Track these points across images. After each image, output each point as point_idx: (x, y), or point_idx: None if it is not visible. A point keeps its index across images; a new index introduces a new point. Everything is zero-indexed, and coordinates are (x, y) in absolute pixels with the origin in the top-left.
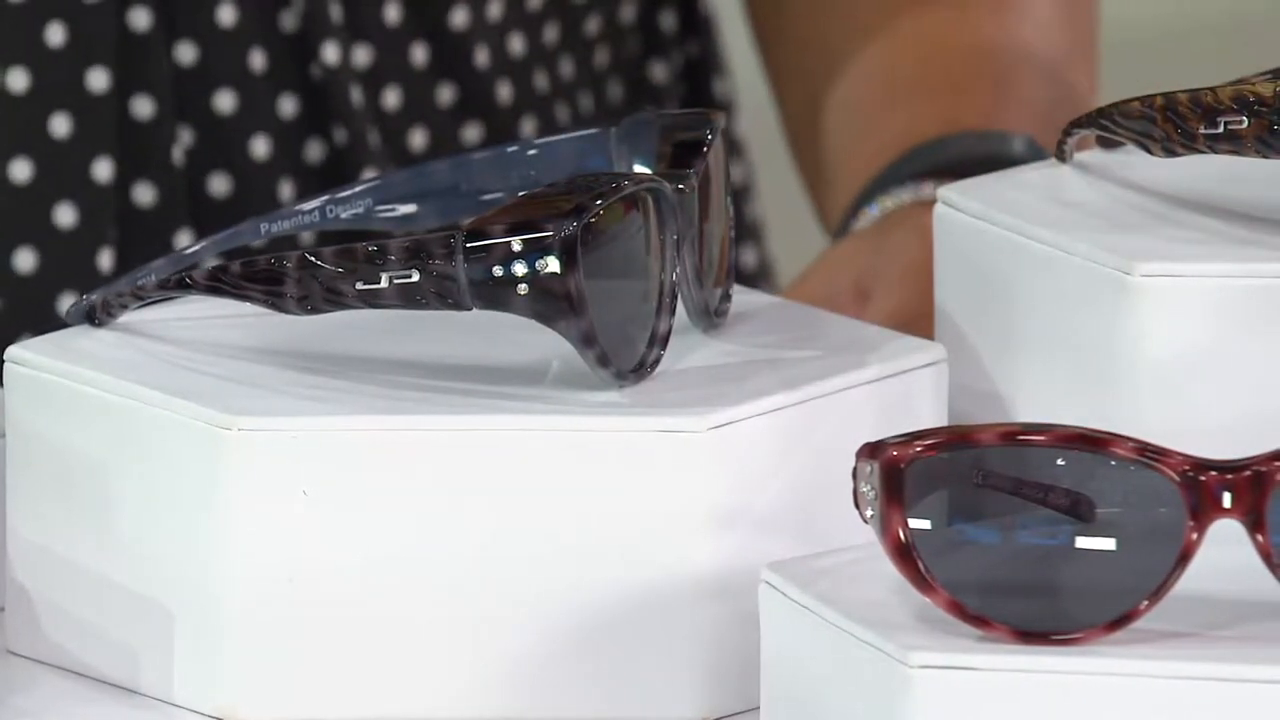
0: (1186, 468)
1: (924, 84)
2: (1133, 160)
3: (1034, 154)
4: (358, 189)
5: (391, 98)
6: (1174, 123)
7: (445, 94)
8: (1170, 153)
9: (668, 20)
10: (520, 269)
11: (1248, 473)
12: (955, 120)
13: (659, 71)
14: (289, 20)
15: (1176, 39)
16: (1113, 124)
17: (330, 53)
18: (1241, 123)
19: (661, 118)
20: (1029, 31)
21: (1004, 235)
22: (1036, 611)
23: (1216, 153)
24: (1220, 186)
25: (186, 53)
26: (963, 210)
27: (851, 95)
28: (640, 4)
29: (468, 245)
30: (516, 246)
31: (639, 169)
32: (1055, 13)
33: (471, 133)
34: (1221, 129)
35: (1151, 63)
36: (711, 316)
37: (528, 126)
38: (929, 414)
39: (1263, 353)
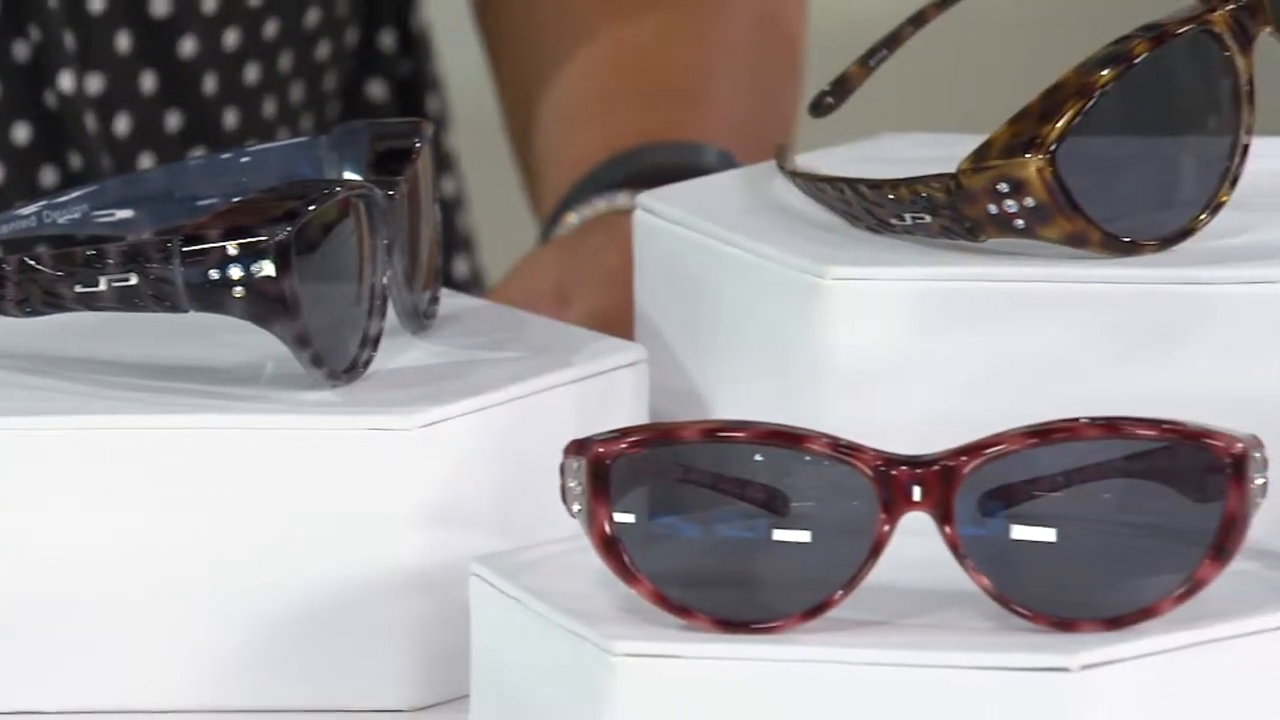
0: (878, 463)
1: (625, 93)
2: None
3: (726, 165)
4: (74, 194)
5: (122, 124)
6: (869, 210)
7: (173, 120)
8: (874, 231)
9: (387, 40)
10: (236, 272)
11: (936, 467)
12: (652, 131)
13: (376, 90)
14: (21, 50)
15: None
16: (814, 190)
17: (65, 81)
18: (925, 219)
19: (370, 127)
20: (730, 45)
21: (702, 240)
22: (736, 602)
23: (915, 236)
24: None
25: None
26: (662, 216)
27: (560, 97)
28: (361, 25)
29: (184, 250)
30: (232, 251)
31: (350, 176)
32: (756, 28)
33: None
34: (910, 222)
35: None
36: (421, 318)
37: None
38: (630, 412)
39: (948, 353)
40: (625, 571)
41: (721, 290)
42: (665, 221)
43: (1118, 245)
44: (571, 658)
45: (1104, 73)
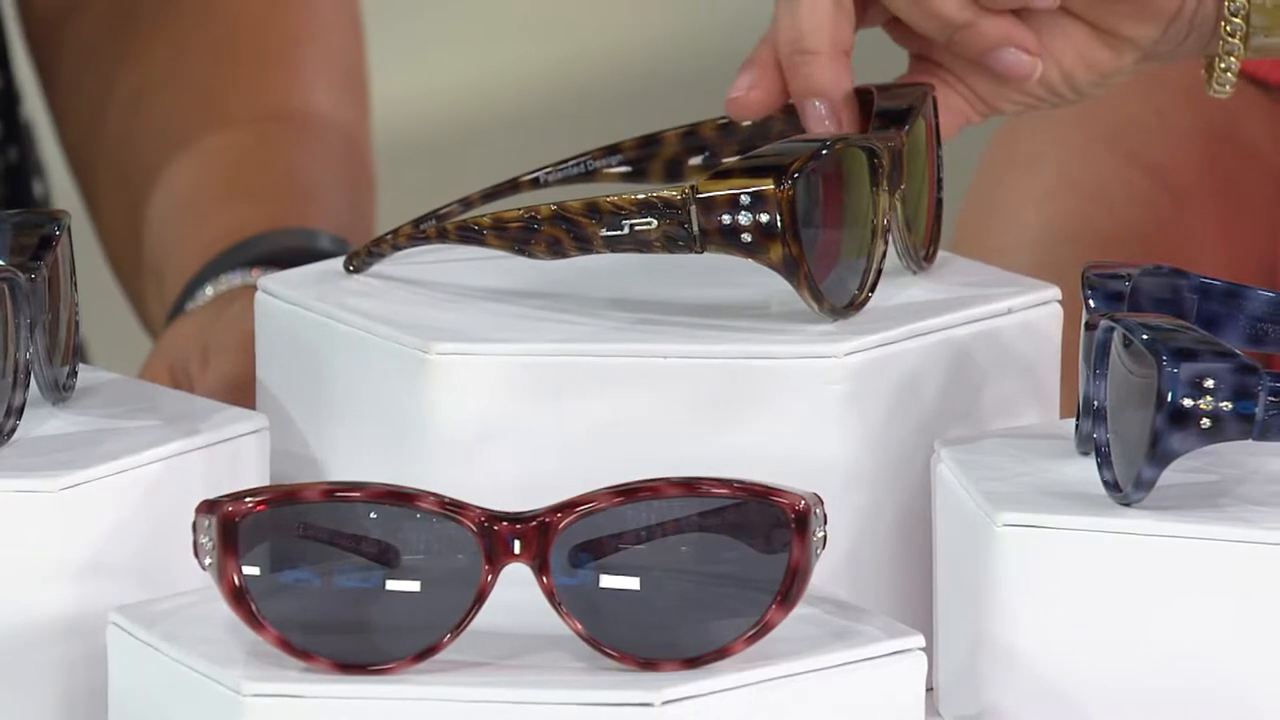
0: (482, 519)
1: (242, 189)
2: (431, 257)
3: (339, 248)
4: None
5: None
6: (566, 227)
7: None
8: (560, 254)
9: None
10: None
11: (534, 523)
12: (272, 220)
13: None
14: None
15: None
16: (475, 233)
17: None
18: (649, 223)
19: (11, 216)
20: (326, 158)
21: (318, 320)
22: (354, 646)
23: (616, 251)
24: (503, 280)
25: None
26: (280, 298)
27: (174, 195)
28: None
29: None
30: None
31: None
32: (344, 149)
33: None
34: (626, 230)
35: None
36: (61, 391)
37: None
38: (254, 475)
39: (544, 419)
40: (253, 619)
41: (337, 364)
42: (283, 302)
43: (814, 293)
44: (203, 699)
45: (820, 147)
